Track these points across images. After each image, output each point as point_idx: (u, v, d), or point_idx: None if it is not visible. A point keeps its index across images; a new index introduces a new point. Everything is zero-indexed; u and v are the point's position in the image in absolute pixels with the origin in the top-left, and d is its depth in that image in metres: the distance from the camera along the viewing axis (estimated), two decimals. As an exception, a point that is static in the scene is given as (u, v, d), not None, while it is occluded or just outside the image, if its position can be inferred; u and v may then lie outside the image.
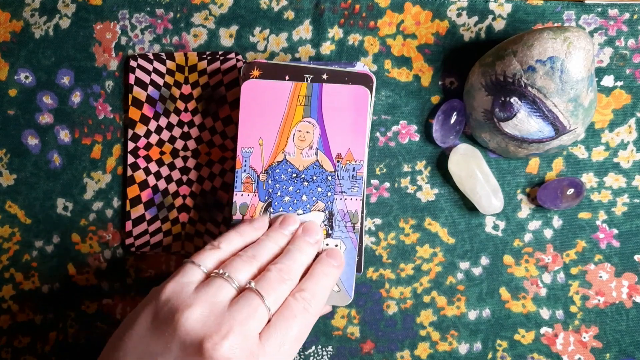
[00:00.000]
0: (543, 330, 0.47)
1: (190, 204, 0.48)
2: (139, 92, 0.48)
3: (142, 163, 0.48)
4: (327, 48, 0.48)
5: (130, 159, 0.48)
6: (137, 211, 0.48)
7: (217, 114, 0.48)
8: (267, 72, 0.42)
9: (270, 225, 0.42)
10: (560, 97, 0.40)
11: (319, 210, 0.42)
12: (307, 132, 0.42)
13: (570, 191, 0.45)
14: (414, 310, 0.48)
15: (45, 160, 0.49)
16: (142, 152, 0.48)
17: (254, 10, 0.48)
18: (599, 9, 0.46)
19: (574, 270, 0.47)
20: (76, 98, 0.49)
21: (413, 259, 0.48)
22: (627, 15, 0.46)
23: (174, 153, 0.48)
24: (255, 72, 0.42)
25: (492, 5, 0.46)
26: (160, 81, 0.48)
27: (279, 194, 0.42)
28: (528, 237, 0.47)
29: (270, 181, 0.42)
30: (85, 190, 0.49)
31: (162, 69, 0.48)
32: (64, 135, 0.49)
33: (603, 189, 0.47)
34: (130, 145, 0.48)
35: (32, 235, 0.50)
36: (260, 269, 0.38)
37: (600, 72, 0.46)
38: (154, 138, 0.48)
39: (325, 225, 0.42)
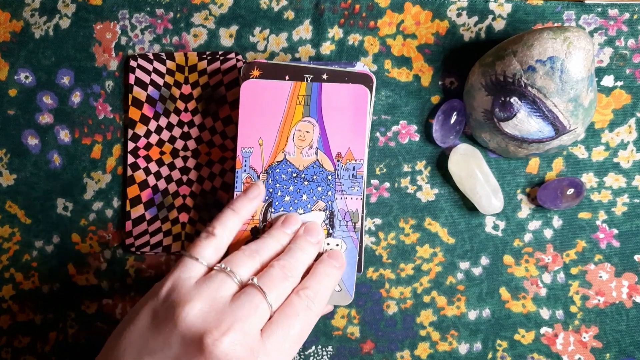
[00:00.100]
0: (543, 330, 0.47)
1: (190, 204, 0.48)
2: (139, 92, 0.48)
3: (142, 163, 0.48)
4: (327, 48, 0.48)
5: (130, 159, 0.48)
6: (137, 211, 0.48)
7: (217, 114, 0.48)
8: (267, 72, 0.42)
9: (271, 225, 0.42)
10: (560, 97, 0.40)
11: (319, 209, 0.42)
12: (307, 131, 0.42)
13: (570, 191, 0.45)
14: (414, 310, 0.48)
15: (45, 160, 0.49)
16: (142, 152, 0.48)
17: (254, 10, 0.48)
18: (599, 9, 0.46)
19: (574, 270, 0.47)
20: (76, 98, 0.49)
21: (413, 259, 0.48)
22: (627, 15, 0.46)
23: (174, 153, 0.48)
24: (255, 72, 0.43)
25: (492, 5, 0.46)
26: (160, 81, 0.48)
27: (279, 193, 0.42)
28: (528, 237, 0.47)
29: (270, 181, 0.42)
30: (85, 190, 0.49)
31: (162, 69, 0.48)
32: (64, 135, 0.49)
33: (603, 189, 0.47)
34: (130, 145, 0.48)
35: (32, 235, 0.50)
36: (262, 265, 0.38)
37: (600, 72, 0.46)
38: (154, 138, 0.48)
39: (326, 224, 0.42)
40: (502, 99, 0.42)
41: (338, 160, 0.42)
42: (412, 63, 0.47)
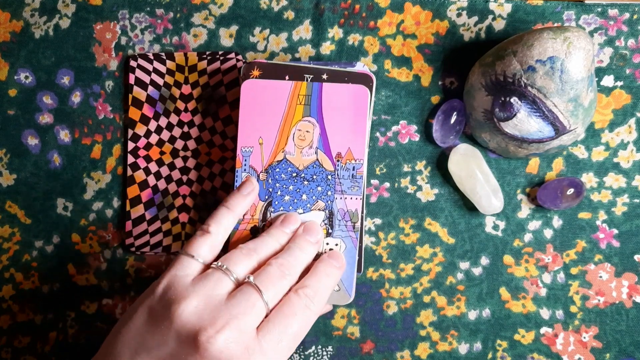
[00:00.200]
0: (543, 330, 0.47)
1: (190, 204, 0.48)
2: (139, 92, 0.48)
3: (142, 163, 0.48)
4: (327, 48, 0.48)
5: (130, 159, 0.48)
6: (137, 211, 0.48)
7: (217, 114, 0.48)
8: (267, 72, 0.42)
9: (270, 224, 0.42)
10: (560, 97, 0.40)
11: (319, 209, 0.42)
12: (307, 131, 0.42)
13: (570, 191, 0.45)
14: (414, 310, 0.48)
15: (45, 160, 0.49)
16: (142, 152, 0.48)
17: (254, 10, 0.48)
18: (599, 9, 0.46)
19: (574, 270, 0.47)
20: (76, 98, 0.49)
21: (413, 259, 0.48)
22: (627, 15, 0.46)
23: (174, 153, 0.48)
24: (255, 72, 0.43)
25: (492, 5, 0.46)
26: (160, 81, 0.48)
27: (279, 193, 0.42)
28: (528, 237, 0.47)
29: (270, 180, 0.42)
30: (85, 190, 0.49)
31: (162, 69, 0.48)
32: (64, 135, 0.49)
33: (603, 189, 0.47)
34: (130, 145, 0.48)
35: (32, 235, 0.50)
36: (260, 263, 0.38)
37: (600, 72, 0.46)
38: (154, 138, 0.48)
39: (325, 224, 0.42)
40: (502, 99, 0.42)
41: (338, 160, 0.42)
42: (412, 63, 0.47)
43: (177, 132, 0.48)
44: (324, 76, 0.42)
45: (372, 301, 0.48)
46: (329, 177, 0.42)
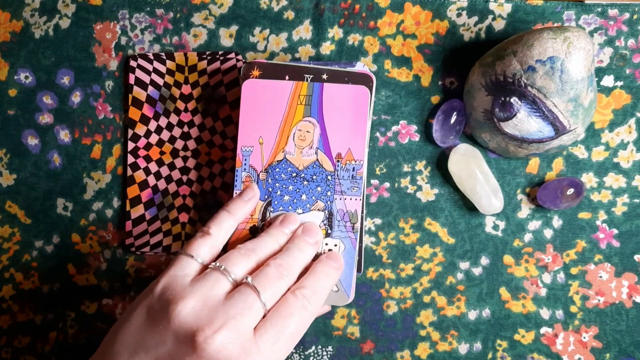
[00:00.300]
0: (543, 330, 0.47)
1: (190, 204, 0.48)
2: (139, 92, 0.48)
3: (142, 163, 0.48)
4: (327, 48, 0.48)
5: (130, 159, 0.48)
6: (137, 211, 0.48)
7: (217, 114, 0.48)
8: (267, 72, 0.42)
9: (269, 224, 0.42)
10: (560, 97, 0.40)
11: (318, 209, 0.42)
12: (308, 131, 0.42)
13: (570, 191, 0.45)
14: (414, 310, 0.48)
15: (45, 160, 0.49)
16: (142, 152, 0.48)
17: (254, 10, 0.48)
18: (599, 9, 0.46)
19: (574, 270, 0.47)
20: (76, 98, 0.49)
21: (413, 259, 0.48)
22: (627, 15, 0.46)
23: (174, 153, 0.48)
24: (255, 72, 0.43)
25: (492, 5, 0.46)
26: (160, 81, 0.48)
27: (278, 193, 0.42)
28: (528, 237, 0.47)
29: (270, 180, 0.42)
30: (85, 190, 0.49)
31: (162, 69, 0.48)
32: (64, 135, 0.49)
33: (603, 189, 0.47)
34: (130, 145, 0.48)
35: (32, 235, 0.50)
36: (258, 263, 0.38)
37: (600, 72, 0.46)
38: (154, 138, 0.48)
39: (324, 224, 0.42)
40: (502, 99, 0.42)
41: (338, 161, 0.42)
42: (412, 63, 0.47)
43: (177, 132, 0.48)
44: (324, 76, 0.42)
45: (372, 301, 0.48)
46: (329, 177, 0.42)
